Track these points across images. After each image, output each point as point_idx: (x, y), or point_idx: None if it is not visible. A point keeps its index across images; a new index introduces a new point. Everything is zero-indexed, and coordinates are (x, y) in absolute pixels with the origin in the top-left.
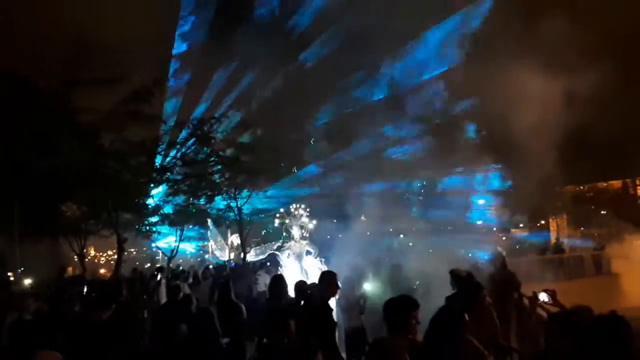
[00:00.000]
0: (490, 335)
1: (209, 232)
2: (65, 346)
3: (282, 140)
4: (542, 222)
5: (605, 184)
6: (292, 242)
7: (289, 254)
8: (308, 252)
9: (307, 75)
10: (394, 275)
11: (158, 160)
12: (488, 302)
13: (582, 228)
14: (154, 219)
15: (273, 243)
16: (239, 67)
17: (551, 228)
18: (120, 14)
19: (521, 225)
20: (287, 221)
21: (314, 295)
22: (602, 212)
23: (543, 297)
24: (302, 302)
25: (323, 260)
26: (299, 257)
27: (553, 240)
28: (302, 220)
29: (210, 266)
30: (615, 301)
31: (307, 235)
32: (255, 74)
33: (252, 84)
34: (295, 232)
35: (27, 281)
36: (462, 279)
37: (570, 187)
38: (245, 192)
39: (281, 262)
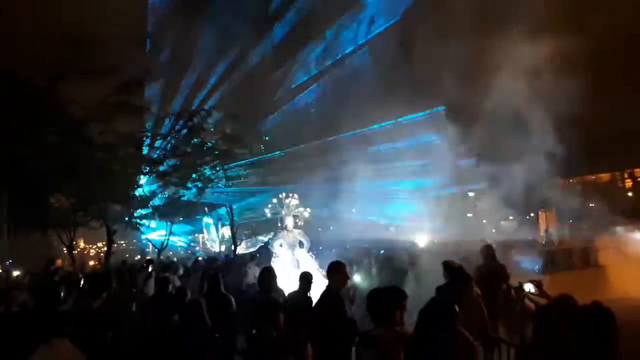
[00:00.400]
0: (479, 326)
1: (203, 224)
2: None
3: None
4: (532, 214)
5: (593, 177)
6: (285, 232)
7: (281, 243)
8: (301, 243)
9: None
10: (384, 265)
11: (147, 151)
12: (476, 293)
13: (570, 221)
14: (143, 211)
15: (264, 235)
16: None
17: (540, 220)
18: (106, 8)
19: (510, 217)
20: (283, 212)
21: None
22: (590, 204)
23: (529, 287)
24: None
25: (313, 254)
26: (291, 247)
27: (542, 232)
28: (297, 210)
29: (200, 258)
30: (601, 293)
31: (301, 224)
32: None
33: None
34: (289, 222)
35: (16, 273)
36: (453, 270)
37: (559, 179)
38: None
39: (274, 252)
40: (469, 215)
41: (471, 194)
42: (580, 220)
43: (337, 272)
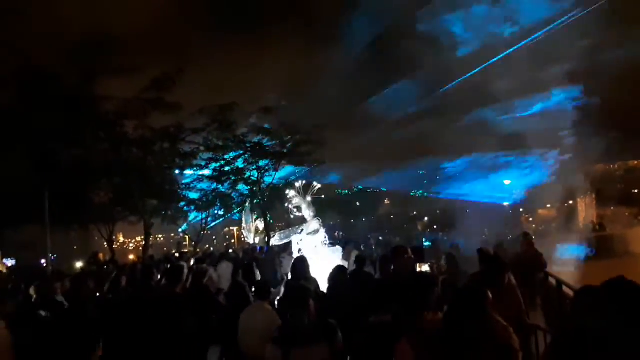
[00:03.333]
0: (516, 314)
1: (242, 217)
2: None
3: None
4: (570, 202)
5: (636, 162)
6: (306, 227)
7: (299, 247)
8: (316, 232)
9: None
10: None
11: (183, 146)
12: (512, 281)
13: (612, 207)
14: (180, 205)
15: (297, 227)
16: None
17: (579, 208)
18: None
19: (548, 205)
20: (295, 200)
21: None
22: (633, 190)
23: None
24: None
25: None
26: (314, 238)
27: (581, 220)
28: (314, 191)
29: (230, 250)
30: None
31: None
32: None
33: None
34: (305, 211)
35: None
36: (489, 258)
37: (600, 166)
38: (268, 179)
39: (298, 248)
40: (505, 204)
41: (507, 182)
42: (622, 206)
43: (401, 255)
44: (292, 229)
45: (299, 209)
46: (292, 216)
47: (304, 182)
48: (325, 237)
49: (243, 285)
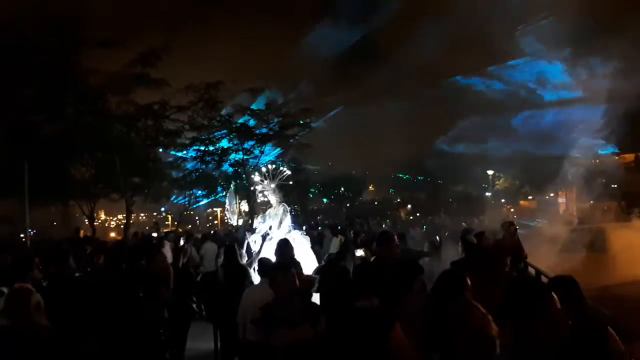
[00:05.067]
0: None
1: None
2: None
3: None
4: (551, 194)
5: (617, 157)
6: (271, 210)
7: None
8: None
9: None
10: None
11: (167, 124)
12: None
13: (591, 201)
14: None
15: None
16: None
17: (560, 200)
18: None
19: (530, 197)
20: (260, 186)
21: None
22: (612, 185)
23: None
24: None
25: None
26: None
27: (561, 212)
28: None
29: (212, 231)
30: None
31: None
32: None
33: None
34: (270, 196)
35: None
36: (471, 245)
37: (581, 159)
38: (253, 161)
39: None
40: (487, 194)
41: (490, 172)
42: (602, 200)
43: (388, 241)
44: (270, 211)
45: (263, 194)
46: (257, 200)
47: (273, 166)
48: (290, 225)
49: (242, 266)
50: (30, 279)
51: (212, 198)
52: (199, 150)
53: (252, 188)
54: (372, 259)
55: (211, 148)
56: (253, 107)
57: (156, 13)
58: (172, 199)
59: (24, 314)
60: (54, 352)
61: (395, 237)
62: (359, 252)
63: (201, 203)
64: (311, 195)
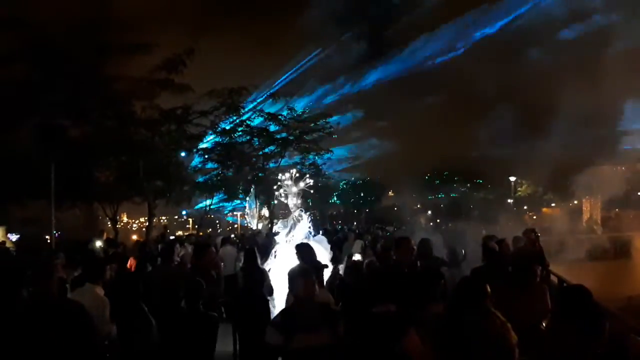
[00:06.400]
0: (539, 314)
1: (246, 203)
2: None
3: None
4: (575, 202)
5: None
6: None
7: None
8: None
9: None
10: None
11: (190, 129)
12: (542, 284)
13: (617, 210)
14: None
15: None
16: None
17: (584, 208)
18: None
19: (553, 204)
20: (282, 190)
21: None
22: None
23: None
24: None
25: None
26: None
27: (585, 220)
28: (299, 186)
29: (232, 235)
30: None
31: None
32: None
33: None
34: (290, 201)
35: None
36: (493, 253)
37: (607, 167)
38: (272, 164)
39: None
40: (509, 201)
41: (512, 179)
42: (627, 209)
43: (406, 247)
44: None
45: (286, 196)
46: (275, 201)
47: (297, 172)
48: (310, 228)
49: (261, 269)
50: (103, 280)
51: (232, 206)
52: (220, 154)
53: (274, 191)
54: (365, 262)
55: (232, 152)
56: (272, 110)
57: (182, 19)
58: (197, 206)
59: (48, 290)
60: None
61: (412, 241)
62: (357, 257)
63: (221, 207)
64: (331, 201)
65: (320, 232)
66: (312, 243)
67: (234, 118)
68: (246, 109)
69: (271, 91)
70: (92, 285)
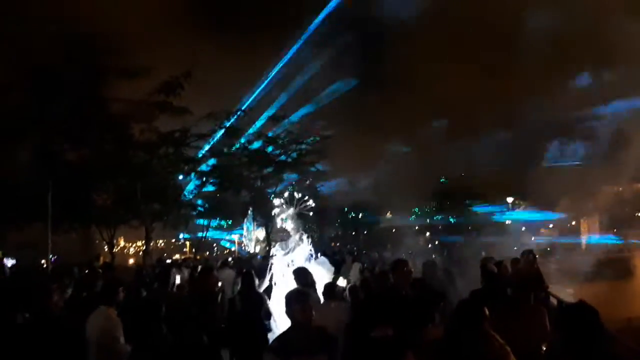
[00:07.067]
0: (537, 338)
1: (244, 225)
2: None
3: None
4: (573, 222)
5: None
6: (291, 240)
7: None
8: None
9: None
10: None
11: (188, 151)
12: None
13: (615, 230)
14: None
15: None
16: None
17: (582, 229)
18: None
19: (550, 225)
20: (282, 213)
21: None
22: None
23: None
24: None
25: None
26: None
27: (583, 242)
28: (298, 208)
29: (230, 258)
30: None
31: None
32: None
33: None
34: (289, 224)
35: None
36: (492, 275)
37: (606, 187)
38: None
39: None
40: (507, 222)
41: (510, 199)
42: (626, 228)
43: (403, 269)
44: (292, 239)
45: (284, 219)
46: (277, 226)
47: (295, 193)
48: (311, 251)
49: (259, 293)
50: (116, 302)
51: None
52: (218, 176)
53: (272, 214)
54: (360, 281)
55: (230, 175)
56: (270, 134)
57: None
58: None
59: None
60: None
61: (409, 263)
62: (342, 282)
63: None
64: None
65: (319, 254)
66: (315, 266)
67: (232, 140)
68: (243, 130)
69: (268, 112)
70: (105, 307)
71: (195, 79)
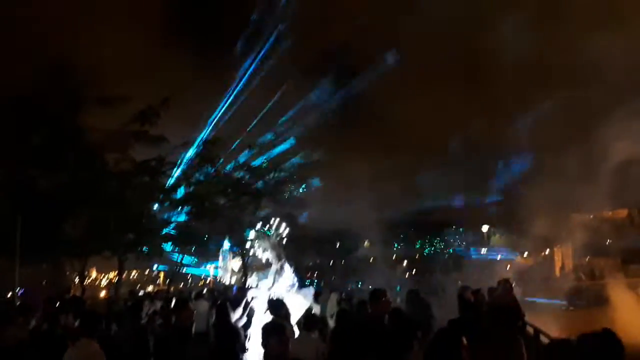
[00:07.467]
0: None
1: (220, 256)
2: None
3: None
4: (547, 250)
5: (610, 213)
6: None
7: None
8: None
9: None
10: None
11: (163, 180)
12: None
13: (587, 258)
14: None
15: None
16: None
17: (556, 257)
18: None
19: (525, 254)
20: (257, 242)
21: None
22: (606, 241)
23: None
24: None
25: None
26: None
27: (557, 270)
28: (276, 236)
29: (204, 290)
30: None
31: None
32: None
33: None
34: (269, 254)
35: None
36: (469, 304)
37: (576, 215)
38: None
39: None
40: (483, 250)
41: (485, 228)
42: (599, 256)
43: (380, 298)
44: (269, 269)
45: (264, 250)
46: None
47: (272, 220)
48: (294, 279)
49: (233, 326)
50: (97, 334)
51: (204, 266)
52: (194, 206)
53: (247, 245)
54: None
55: (206, 204)
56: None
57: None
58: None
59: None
60: None
61: (387, 293)
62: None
63: (194, 265)
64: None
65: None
66: (298, 297)
67: (209, 169)
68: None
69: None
70: (87, 339)
71: (174, 105)
